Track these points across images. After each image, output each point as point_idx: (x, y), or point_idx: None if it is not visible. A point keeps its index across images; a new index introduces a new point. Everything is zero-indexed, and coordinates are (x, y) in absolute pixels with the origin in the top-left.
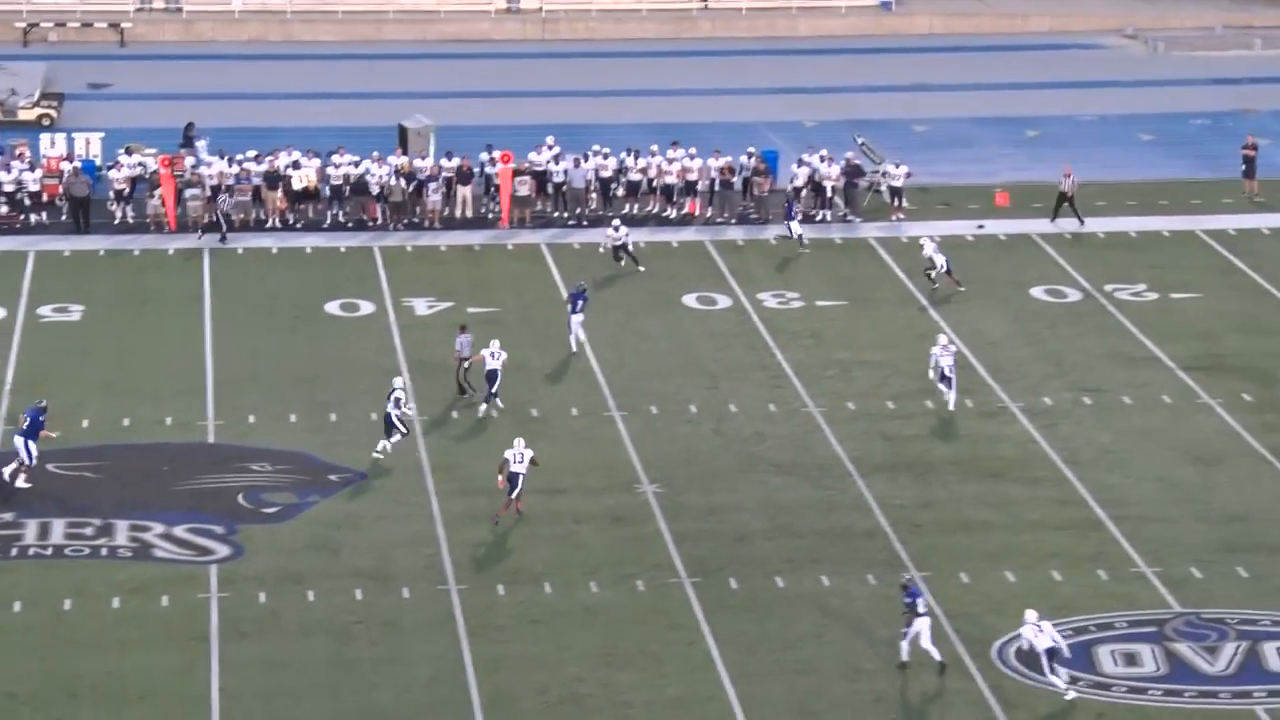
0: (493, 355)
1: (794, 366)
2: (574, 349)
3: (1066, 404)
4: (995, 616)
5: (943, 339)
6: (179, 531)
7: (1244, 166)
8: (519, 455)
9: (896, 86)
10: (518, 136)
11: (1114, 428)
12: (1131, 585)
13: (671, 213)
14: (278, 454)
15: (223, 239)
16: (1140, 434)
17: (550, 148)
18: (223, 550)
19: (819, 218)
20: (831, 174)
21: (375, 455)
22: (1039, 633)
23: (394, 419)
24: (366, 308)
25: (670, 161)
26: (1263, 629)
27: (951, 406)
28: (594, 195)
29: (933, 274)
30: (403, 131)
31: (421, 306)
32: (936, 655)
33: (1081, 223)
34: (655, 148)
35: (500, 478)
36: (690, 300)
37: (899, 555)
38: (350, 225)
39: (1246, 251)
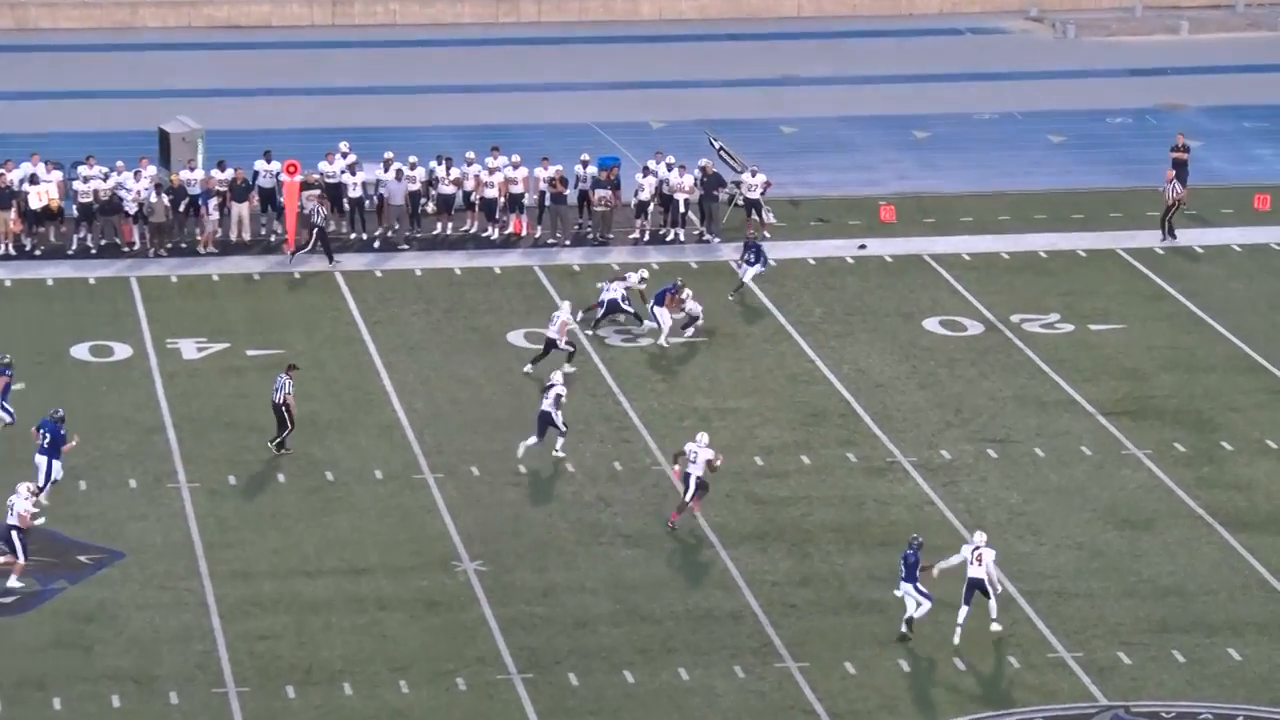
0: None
1: (643, 416)
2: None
3: (968, 458)
4: (887, 715)
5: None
6: None
7: (1173, 172)
8: (695, 454)
9: (759, 80)
10: (304, 142)
11: (1025, 486)
12: (1048, 674)
13: (493, 232)
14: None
15: None
16: (1056, 493)
17: (344, 155)
18: None
19: (669, 237)
20: (684, 185)
21: (557, 454)
22: (973, 562)
23: (556, 419)
24: (122, 351)
25: (490, 172)
26: None
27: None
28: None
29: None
30: (164, 137)
31: (190, 349)
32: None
33: (1174, 236)
34: (472, 155)
35: (675, 470)
36: (517, 338)
37: (771, 641)
38: (100, 252)
39: (1177, 274)
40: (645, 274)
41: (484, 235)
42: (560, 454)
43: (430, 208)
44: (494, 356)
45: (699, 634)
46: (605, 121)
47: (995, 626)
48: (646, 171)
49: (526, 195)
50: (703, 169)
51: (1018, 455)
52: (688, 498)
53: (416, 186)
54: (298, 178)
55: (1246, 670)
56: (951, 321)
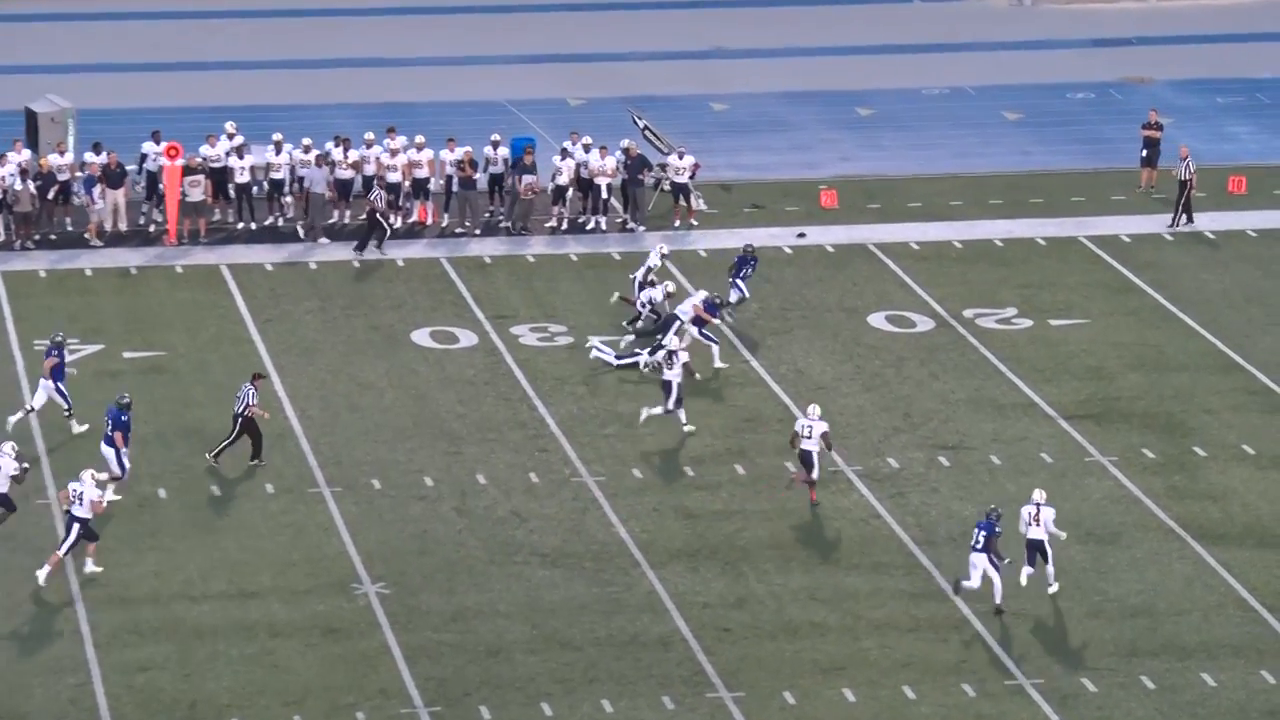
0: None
1: (562, 423)
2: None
3: (918, 466)
4: None
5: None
6: None
7: (1144, 152)
8: (809, 428)
9: (688, 53)
10: (186, 122)
11: (979, 496)
12: (1006, 703)
13: (396, 221)
14: None
15: None
16: (1014, 504)
17: (230, 137)
18: None
19: (590, 226)
20: (606, 168)
21: (687, 430)
22: (1032, 523)
23: (675, 387)
24: None
25: (392, 154)
26: None
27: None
28: (287, 199)
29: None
30: (31, 117)
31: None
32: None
33: (1190, 220)
34: (370, 136)
35: (795, 472)
36: (422, 337)
37: (703, 670)
38: None
39: (1145, 264)
40: (671, 287)
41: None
42: (689, 428)
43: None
44: (397, 358)
45: (624, 662)
46: (518, 98)
47: (1053, 588)
48: (564, 154)
49: (432, 180)
50: (626, 151)
51: (972, 463)
52: (814, 474)
53: (348, 174)
54: (179, 161)
55: (1221, 697)
56: (899, 317)
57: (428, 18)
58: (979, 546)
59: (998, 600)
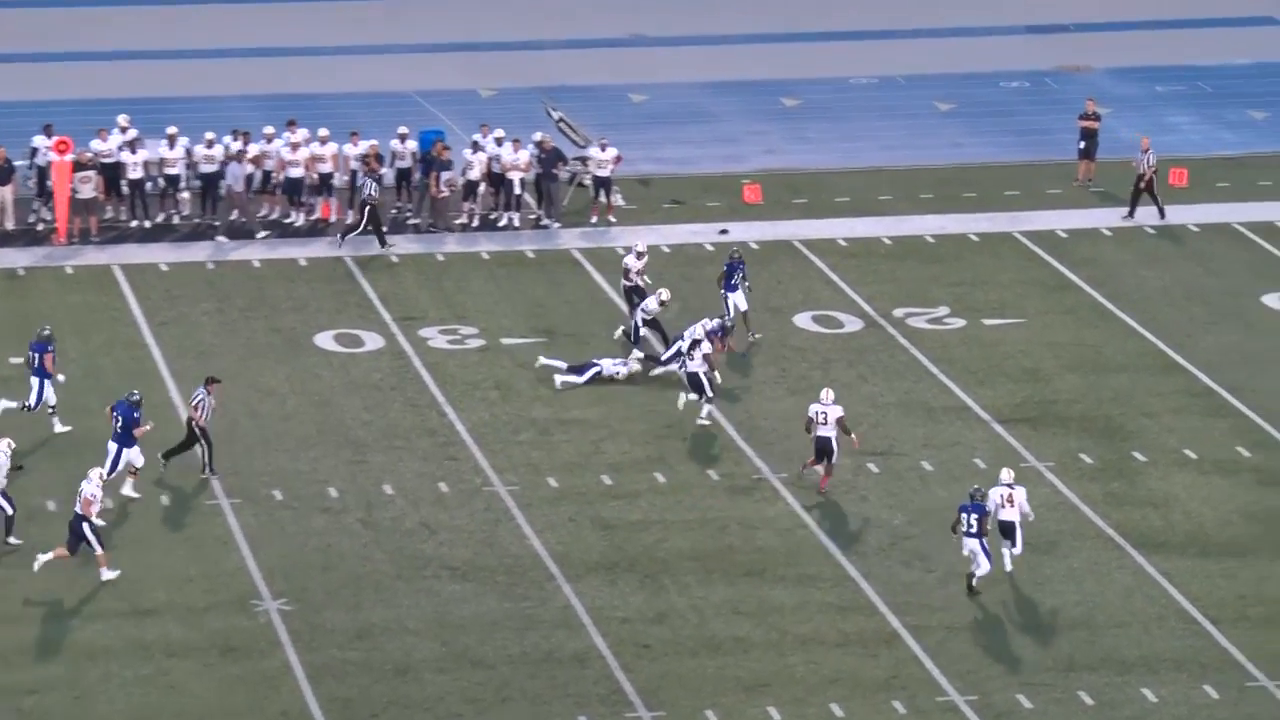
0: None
1: (473, 430)
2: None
3: (845, 473)
4: None
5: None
6: None
7: (1081, 143)
8: (824, 414)
9: (605, 40)
10: (76, 115)
11: (910, 504)
12: None
13: (298, 218)
14: None
15: None
16: (946, 512)
17: (123, 130)
18: None
19: (502, 222)
20: (519, 162)
21: (702, 422)
22: (1005, 505)
23: (703, 378)
24: None
25: (294, 148)
26: None
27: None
28: (182, 195)
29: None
30: None
31: None
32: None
33: (1162, 215)
34: (270, 130)
35: (809, 459)
36: (326, 340)
37: (621, 688)
38: None
39: (1082, 260)
40: (666, 295)
41: (287, 221)
42: (705, 420)
43: (224, 190)
44: (299, 362)
45: (538, 680)
46: (426, 89)
47: (1009, 568)
48: (475, 147)
49: (336, 175)
50: (539, 144)
51: (902, 470)
52: (834, 460)
53: (215, 167)
54: (69, 157)
55: (1163, 712)
56: (826, 317)
57: (330, 4)
58: (973, 531)
59: (974, 582)
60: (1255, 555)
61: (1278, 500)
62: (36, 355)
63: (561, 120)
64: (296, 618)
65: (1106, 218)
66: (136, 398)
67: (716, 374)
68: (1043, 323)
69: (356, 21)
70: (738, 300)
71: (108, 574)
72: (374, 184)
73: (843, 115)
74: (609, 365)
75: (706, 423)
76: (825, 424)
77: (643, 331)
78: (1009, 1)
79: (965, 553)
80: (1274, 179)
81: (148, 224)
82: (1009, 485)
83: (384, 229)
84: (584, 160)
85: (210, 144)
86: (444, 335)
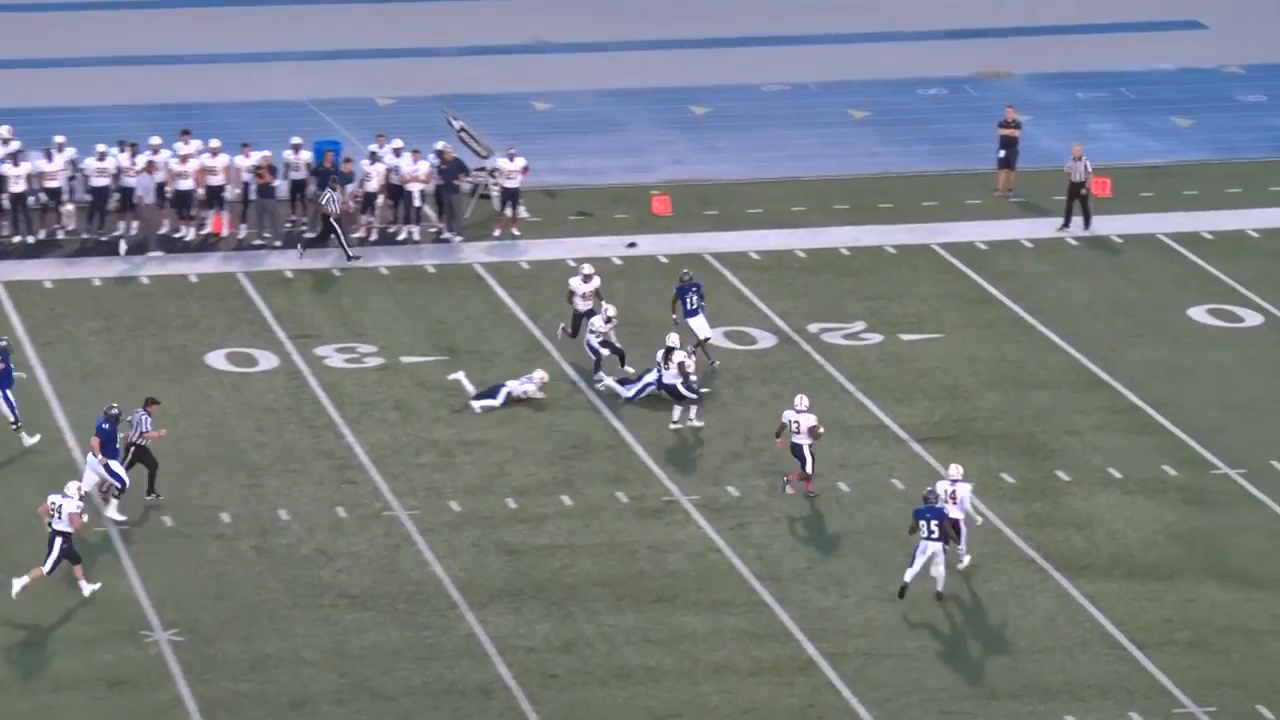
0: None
1: (372, 452)
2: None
3: (759, 495)
4: None
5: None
6: None
7: (1001, 152)
8: (796, 422)
9: (506, 47)
10: None
11: (826, 527)
12: None
13: (188, 232)
14: None
15: None
16: (863, 535)
17: (5, 142)
18: None
19: (402, 236)
20: (419, 173)
21: (674, 425)
22: (949, 502)
23: (680, 389)
24: None
25: (184, 159)
26: None
27: None
28: (67, 209)
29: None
30: None
31: None
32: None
33: (1087, 225)
34: (157, 140)
35: (779, 441)
36: (218, 359)
37: (528, 719)
38: None
39: (1003, 273)
40: (612, 311)
41: (176, 236)
42: (677, 424)
43: (114, 204)
44: (190, 382)
45: (441, 712)
46: (322, 98)
47: (965, 562)
48: (373, 158)
49: (228, 188)
50: (440, 154)
51: (818, 491)
52: (809, 469)
53: (105, 181)
54: None
55: None
56: (738, 333)
57: (220, 9)
58: (935, 535)
59: (940, 587)
60: (1182, 577)
61: (1204, 520)
62: None
63: (463, 130)
64: (188, 649)
65: (1028, 229)
66: (115, 411)
67: (694, 376)
68: (962, 338)
69: (248, 28)
70: (699, 327)
71: (88, 587)
72: (331, 194)
73: (754, 124)
74: (516, 386)
75: (699, 424)
76: (798, 432)
77: (603, 354)
78: (925, 6)
79: (922, 558)
80: (1199, 188)
81: (30, 239)
82: (954, 481)
83: (345, 239)
84: (492, 171)
85: (102, 156)
86: (341, 354)
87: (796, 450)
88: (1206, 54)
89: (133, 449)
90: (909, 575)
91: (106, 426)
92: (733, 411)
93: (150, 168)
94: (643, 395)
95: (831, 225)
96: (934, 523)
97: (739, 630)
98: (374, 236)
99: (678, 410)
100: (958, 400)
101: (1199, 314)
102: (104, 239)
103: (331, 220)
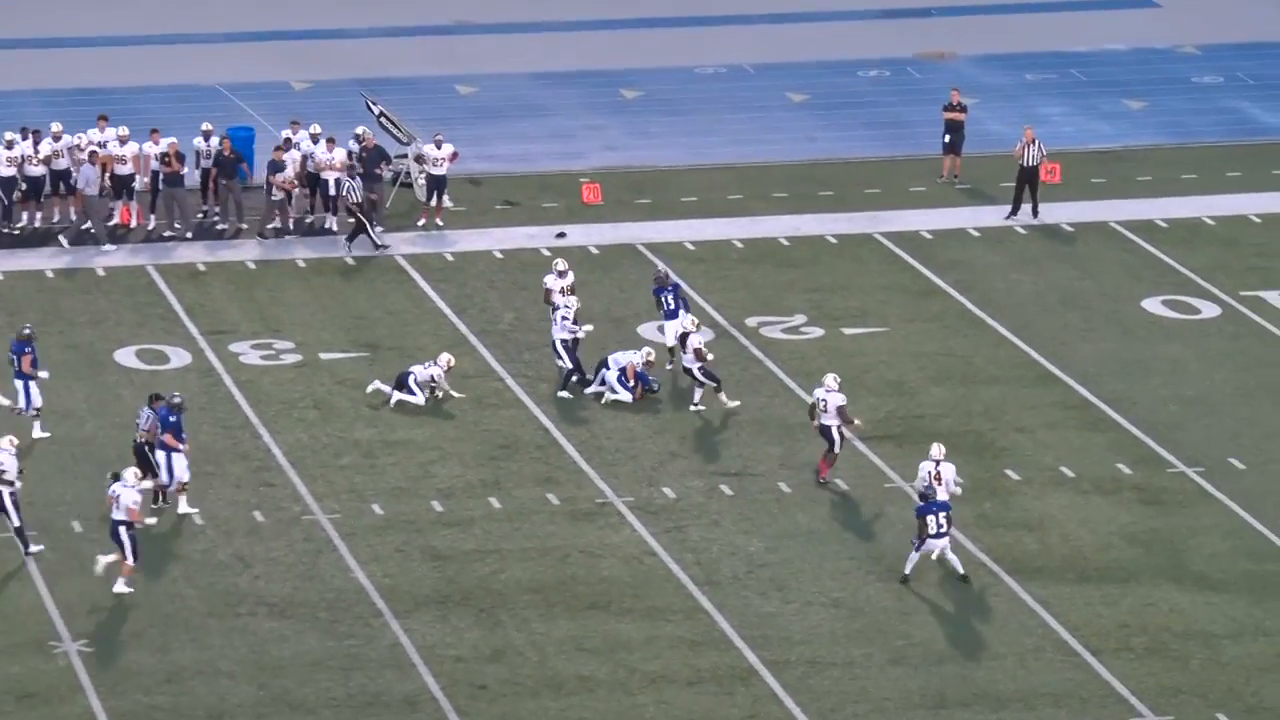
0: None
1: (291, 453)
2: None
3: (697, 496)
4: None
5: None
6: None
7: (946, 136)
8: (824, 401)
9: (428, 28)
10: None
11: (767, 529)
12: None
13: (95, 224)
14: None
15: None
16: (805, 537)
17: None
18: None
19: (320, 226)
20: (335, 161)
21: (695, 407)
22: (933, 483)
23: (697, 374)
24: None
25: (100, 146)
26: None
27: None
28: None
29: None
30: None
31: None
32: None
33: (1035, 213)
34: (59, 127)
35: (814, 425)
36: (127, 357)
37: None
38: None
39: (949, 263)
40: (574, 304)
41: (84, 228)
42: (698, 406)
43: (18, 193)
44: (98, 380)
45: None
46: (233, 82)
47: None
48: (288, 145)
49: (137, 177)
50: (360, 140)
51: (757, 492)
52: (836, 449)
53: (10, 171)
54: None
55: None
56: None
57: None
58: (943, 531)
59: (963, 570)
60: (1138, 580)
61: (1161, 521)
62: (15, 358)
63: (383, 115)
64: (99, 660)
65: (974, 217)
66: (178, 400)
67: (709, 355)
68: (907, 331)
69: (155, 9)
70: (670, 332)
71: (123, 587)
72: (351, 184)
73: (688, 108)
74: (420, 371)
75: (734, 405)
76: (826, 411)
77: (572, 355)
78: None
79: (934, 556)
80: (1153, 174)
81: None
82: (937, 461)
83: (371, 228)
84: (418, 157)
85: (10, 144)
86: (257, 350)
87: (825, 432)
88: (1160, 34)
89: (140, 449)
90: (910, 566)
91: (174, 419)
92: (668, 409)
93: (94, 158)
94: (625, 388)
95: (770, 214)
96: (942, 515)
97: (676, 638)
98: (290, 227)
99: (698, 393)
100: (903, 397)
101: (1153, 305)
102: (6, 230)
103: (356, 211)
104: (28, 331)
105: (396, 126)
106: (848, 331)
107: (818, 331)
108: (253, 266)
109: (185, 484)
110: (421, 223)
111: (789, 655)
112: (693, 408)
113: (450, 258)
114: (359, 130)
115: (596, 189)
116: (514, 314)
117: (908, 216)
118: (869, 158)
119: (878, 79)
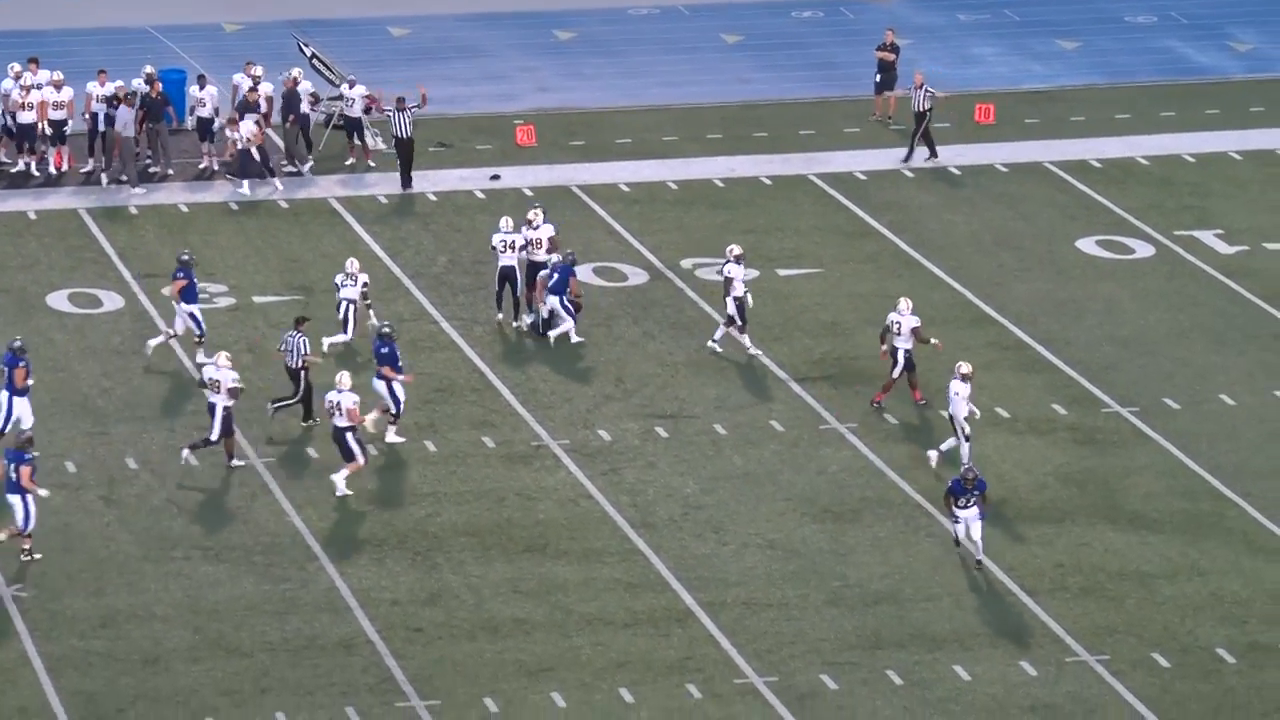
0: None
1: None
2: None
3: (633, 438)
4: None
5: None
6: None
7: (878, 76)
8: (898, 323)
9: None
10: None
11: (703, 471)
12: (736, 704)
13: (28, 164)
14: None
15: None
16: (741, 479)
17: None
18: None
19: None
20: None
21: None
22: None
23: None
24: None
25: (25, 91)
26: None
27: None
28: None
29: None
30: None
31: None
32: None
33: (933, 154)
34: None
35: (883, 350)
36: (59, 300)
37: (392, 675)
38: None
39: (883, 204)
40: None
41: (15, 171)
42: (717, 347)
43: None
44: (31, 325)
45: (301, 669)
46: (164, 24)
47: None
48: (202, 82)
49: (70, 120)
50: (291, 82)
51: (693, 434)
52: (895, 374)
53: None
54: None
55: (977, 691)
56: (608, 269)
57: None
58: (971, 504)
59: (979, 556)
60: (1073, 520)
61: (1096, 460)
62: (7, 370)
63: (314, 57)
64: (33, 605)
65: (902, 158)
66: (387, 330)
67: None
68: (841, 272)
69: None
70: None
71: (343, 489)
72: (372, 130)
73: (621, 49)
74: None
75: (753, 352)
76: (899, 334)
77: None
78: None
79: (963, 532)
80: (1087, 114)
81: None
82: (964, 378)
83: (404, 169)
84: (339, 99)
85: (59, 86)
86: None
87: (894, 354)
88: None
89: (300, 374)
90: (961, 535)
91: (385, 350)
92: (604, 351)
93: (127, 100)
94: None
95: (704, 156)
96: (976, 494)
97: (613, 580)
98: (217, 167)
99: (719, 330)
100: (838, 338)
101: (1088, 245)
102: (130, 172)
103: (400, 144)
104: (186, 257)
105: (329, 68)
106: (782, 273)
107: (753, 273)
108: (185, 210)
109: (397, 415)
110: (350, 161)
111: (725, 597)
112: (711, 344)
113: (384, 200)
114: (294, 71)
115: (530, 130)
116: (448, 257)
117: (842, 157)
118: (803, 99)
119: (811, 20)
